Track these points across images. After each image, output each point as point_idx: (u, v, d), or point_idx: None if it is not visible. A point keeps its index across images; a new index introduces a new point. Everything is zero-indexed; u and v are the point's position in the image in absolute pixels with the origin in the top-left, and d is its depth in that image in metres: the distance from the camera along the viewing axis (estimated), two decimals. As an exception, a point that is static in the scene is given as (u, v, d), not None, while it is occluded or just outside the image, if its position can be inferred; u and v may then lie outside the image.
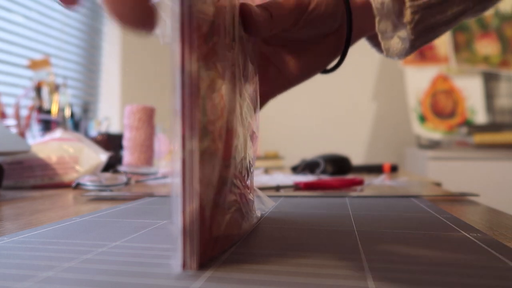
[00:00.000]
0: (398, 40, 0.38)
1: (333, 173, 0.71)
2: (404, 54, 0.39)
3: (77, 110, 1.12)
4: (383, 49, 0.38)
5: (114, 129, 1.32)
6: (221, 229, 0.19)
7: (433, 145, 1.55)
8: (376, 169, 0.80)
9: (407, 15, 0.36)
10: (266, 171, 0.76)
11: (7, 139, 0.51)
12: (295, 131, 1.89)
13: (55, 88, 0.94)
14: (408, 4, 0.37)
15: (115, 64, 1.51)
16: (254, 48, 0.32)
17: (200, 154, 0.17)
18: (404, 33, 0.37)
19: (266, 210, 0.33)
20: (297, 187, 0.50)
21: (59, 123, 0.90)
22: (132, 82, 1.59)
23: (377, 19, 0.37)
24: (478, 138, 1.30)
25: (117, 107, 1.49)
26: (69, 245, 0.22)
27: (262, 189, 0.50)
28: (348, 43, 0.37)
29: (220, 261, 0.18)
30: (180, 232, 0.16)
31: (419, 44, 0.40)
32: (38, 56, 1.12)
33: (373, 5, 0.36)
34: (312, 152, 0.92)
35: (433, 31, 0.39)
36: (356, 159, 1.79)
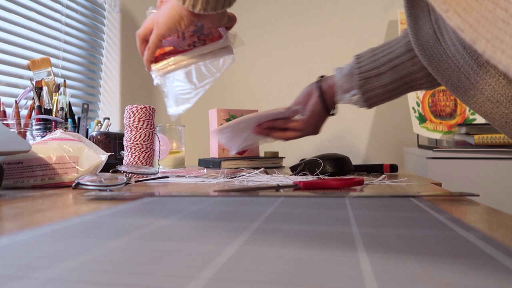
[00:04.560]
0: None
1: (333, 173, 0.71)
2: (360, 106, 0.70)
3: (77, 110, 1.12)
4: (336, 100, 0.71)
5: (114, 129, 1.32)
6: None
7: (433, 145, 1.55)
8: (376, 169, 0.80)
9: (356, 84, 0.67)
10: (266, 171, 0.76)
11: (7, 139, 0.51)
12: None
13: (55, 88, 0.94)
14: (356, 77, 0.66)
15: (115, 64, 1.51)
16: None
17: None
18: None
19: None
20: (297, 187, 0.50)
21: (59, 123, 0.90)
22: (132, 82, 1.59)
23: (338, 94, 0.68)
24: (478, 138, 1.30)
25: (117, 107, 1.49)
26: (69, 245, 0.22)
27: (262, 189, 0.50)
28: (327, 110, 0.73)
29: (220, 261, 0.18)
30: None
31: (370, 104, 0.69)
32: (38, 56, 1.12)
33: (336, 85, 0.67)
34: (312, 152, 0.92)
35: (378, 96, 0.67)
36: (356, 159, 1.79)
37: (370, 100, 0.67)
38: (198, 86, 0.66)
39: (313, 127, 0.74)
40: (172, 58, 0.62)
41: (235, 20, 0.61)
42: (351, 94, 0.68)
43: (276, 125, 0.73)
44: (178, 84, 0.68)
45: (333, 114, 0.74)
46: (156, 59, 0.64)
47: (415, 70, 0.63)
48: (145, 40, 0.62)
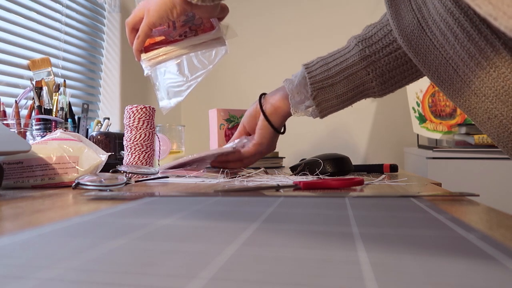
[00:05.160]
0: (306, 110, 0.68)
1: (333, 173, 0.71)
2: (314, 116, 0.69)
3: (77, 110, 1.12)
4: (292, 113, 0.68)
5: (114, 129, 1.32)
6: None
7: (433, 145, 1.55)
8: (376, 169, 0.80)
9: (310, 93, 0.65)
10: (266, 171, 0.76)
11: (7, 139, 0.51)
12: (294, 131, 1.89)
13: (55, 88, 0.94)
14: (309, 87, 0.64)
15: (115, 64, 1.51)
16: None
17: None
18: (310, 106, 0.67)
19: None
20: (297, 187, 0.50)
21: (59, 123, 0.90)
22: (132, 82, 1.59)
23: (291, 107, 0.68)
24: (478, 138, 1.30)
25: (117, 107, 1.49)
26: (69, 245, 0.22)
27: (262, 189, 0.50)
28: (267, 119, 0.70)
29: (220, 261, 0.18)
30: None
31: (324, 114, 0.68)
32: (38, 56, 1.12)
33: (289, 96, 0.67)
34: (312, 152, 0.92)
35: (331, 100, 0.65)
36: (356, 159, 1.79)
37: (324, 111, 0.66)
38: (190, 79, 0.65)
39: (267, 147, 0.72)
40: (162, 48, 0.61)
41: (227, 11, 0.60)
42: (305, 106, 0.67)
43: (229, 159, 0.72)
44: (169, 77, 0.67)
45: (283, 133, 0.73)
46: (146, 49, 0.62)
47: (370, 79, 0.63)
48: (135, 29, 0.60)
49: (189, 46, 0.60)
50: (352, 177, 0.57)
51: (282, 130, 0.73)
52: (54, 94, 0.94)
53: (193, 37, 0.60)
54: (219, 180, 0.63)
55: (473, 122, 0.47)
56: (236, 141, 0.72)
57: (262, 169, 0.75)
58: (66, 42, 1.31)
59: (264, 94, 0.73)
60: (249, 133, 0.75)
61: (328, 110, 0.67)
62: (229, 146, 0.70)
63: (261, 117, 0.70)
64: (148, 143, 0.74)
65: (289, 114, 0.70)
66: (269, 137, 0.70)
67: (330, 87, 0.64)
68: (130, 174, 0.66)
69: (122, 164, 0.76)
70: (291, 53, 1.86)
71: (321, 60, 0.66)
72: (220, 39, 0.61)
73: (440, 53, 0.44)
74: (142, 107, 0.74)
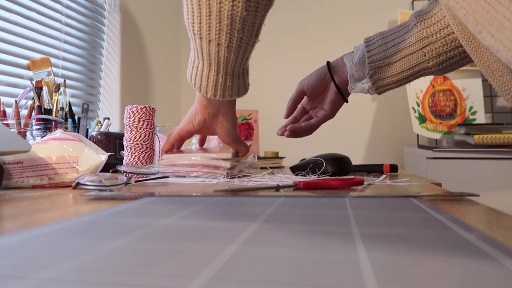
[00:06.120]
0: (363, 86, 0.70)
1: (333, 173, 0.71)
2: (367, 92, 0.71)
3: (77, 110, 1.12)
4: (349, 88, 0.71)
5: (114, 129, 1.32)
6: None
7: (433, 145, 1.55)
8: (376, 169, 0.80)
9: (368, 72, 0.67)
10: (273, 172, 0.76)
11: (7, 139, 0.51)
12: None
13: (55, 88, 0.94)
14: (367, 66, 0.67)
15: (115, 64, 1.51)
16: None
17: None
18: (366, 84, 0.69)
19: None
20: (297, 187, 0.50)
21: (59, 123, 0.90)
22: (132, 82, 1.59)
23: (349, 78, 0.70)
24: (478, 138, 1.30)
25: (117, 107, 1.49)
26: (69, 245, 0.22)
27: (262, 189, 0.50)
28: (337, 88, 0.72)
29: (220, 261, 0.18)
30: None
31: (381, 91, 0.69)
32: (38, 56, 1.12)
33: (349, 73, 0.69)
34: (312, 152, 0.92)
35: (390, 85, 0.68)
36: (356, 159, 1.79)
37: (380, 88, 0.68)
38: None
39: (333, 114, 0.75)
40: (179, 155, 0.70)
41: (244, 153, 0.70)
42: (362, 83, 0.69)
43: (303, 128, 0.75)
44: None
45: (347, 101, 0.75)
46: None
47: (426, 59, 0.62)
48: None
49: (202, 159, 0.67)
50: (352, 177, 0.57)
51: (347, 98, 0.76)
52: (54, 94, 0.94)
53: (207, 153, 0.68)
54: (219, 180, 0.63)
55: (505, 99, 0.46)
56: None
57: (270, 170, 0.76)
58: (66, 42, 1.31)
59: (329, 62, 0.75)
60: (304, 93, 0.76)
61: (384, 87, 0.69)
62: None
63: (333, 90, 0.72)
64: (148, 143, 0.74)
65: None
66: (338, 105, 0.74)
67: (387, 67, 0.65)
68: (130, 174, 0.66)
69: (122, 164, 0.76)
70: (291, 57, 1.86)
71: (381, 37, 0.67)
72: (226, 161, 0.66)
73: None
74: (142, 107, 0.74)
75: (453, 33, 0.60)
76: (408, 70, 0.64)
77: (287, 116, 0.77)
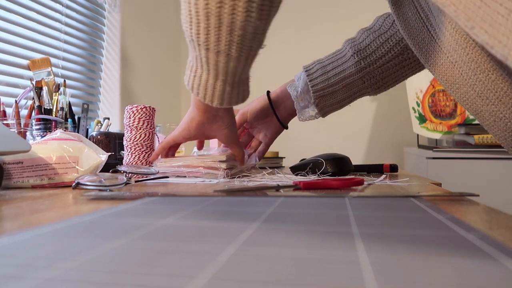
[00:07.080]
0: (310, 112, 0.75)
1: (333, 173, 0.71)
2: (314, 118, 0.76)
3: (77, 110, 1.12)
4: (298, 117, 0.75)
5: (114, 129, 1.32)
6: None
7: (433, 145, 1.55)
8: (376, 169, 0.80)
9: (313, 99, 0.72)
10: (273, 172, 0.76)
11: (7, 139, 0.51)
12: (295, 130, 1.89)
13: (55, 88, 0.94)
14: (312, 94, 0.71)
15: (115, 64, 1.51)
16: None
17: None
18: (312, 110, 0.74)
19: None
20: (297, 187, 0.50)
21: (59, 123, 0.90)
22: (132, 82, 1.59)
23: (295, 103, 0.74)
24: (478, 138, 1.30)
25: (117, 107, 1.49)
26: (69, 245, 0.22)
27: (262, 189, 0.50)
28: (279, 122, 0.78)
29: (220, 261, 0.18)
30: None
31: (325, 112, 0.75)
32: (38, 56, 1.12)
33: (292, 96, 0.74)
34: (312, 152, 0.92)
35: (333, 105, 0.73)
36: (356, 159, 1.79)
37: (326, 113, 0.75)
38: None
39: (274, 139, 0.81)
40: (176, 158, 0.70)
41: (240, 157, 0.70)
42: (308, 110, 0.76)
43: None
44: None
45: (287, 128, 0.82)
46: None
47: (365, 86, 0.71)
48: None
49: (198, 161, 0.67)
50: (352, 177, 0.57)
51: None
52: (54, 94, 0.94)
53: (204, 157, 0.68)
54: (219, 180, 0.63)
55: (480, 124, 0.48)
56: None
57: (270, 170, 0.76)
58: (66, 42, 1.31)
59: (269, 91, 0.79)
60: (245, 121, 0.79)
61: (329, 112, 0.76)
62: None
63: (276, 122, 0.78)
64: (148, 143, 0.74)
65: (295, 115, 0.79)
66: (277, 134, 0.81)
67: (331, 94, 0.72)
68: (130, 174, 0.66)
69: (122, 164, 0.76)
70: (291, 58, 1.86)
71: (321, 68, 0.72)
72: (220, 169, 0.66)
73: (447, 58, 0.45)
74: (142, 107, 0.74)
75: (392, 59, 0.68)
76: (350, 96, 0.73)
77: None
